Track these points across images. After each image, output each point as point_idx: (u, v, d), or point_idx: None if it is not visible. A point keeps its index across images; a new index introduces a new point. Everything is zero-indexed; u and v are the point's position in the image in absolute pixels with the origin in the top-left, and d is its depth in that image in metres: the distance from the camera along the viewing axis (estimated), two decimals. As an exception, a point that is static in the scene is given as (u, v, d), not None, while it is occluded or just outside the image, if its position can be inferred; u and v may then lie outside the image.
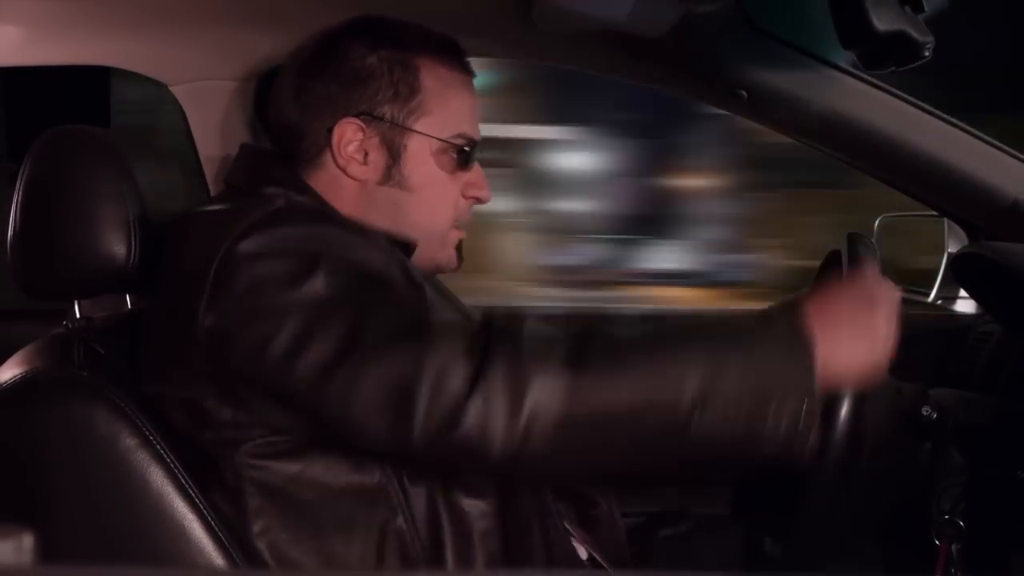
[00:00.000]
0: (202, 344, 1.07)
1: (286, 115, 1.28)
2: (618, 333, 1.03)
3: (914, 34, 0.91)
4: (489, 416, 0.97)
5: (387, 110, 1.24)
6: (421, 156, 1.25)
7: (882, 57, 1.12)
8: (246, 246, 1.07)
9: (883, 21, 0.90)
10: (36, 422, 1.14)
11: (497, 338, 1.00)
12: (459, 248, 1.32)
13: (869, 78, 1.59)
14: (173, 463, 1.13)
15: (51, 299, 1.25)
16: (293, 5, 1.53)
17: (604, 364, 0.99)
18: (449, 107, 1.26)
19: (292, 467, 1.12)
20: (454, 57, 1.28)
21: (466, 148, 1.27)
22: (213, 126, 1.77)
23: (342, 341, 1.02)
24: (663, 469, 1.20)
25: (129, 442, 1.11)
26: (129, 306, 1.37)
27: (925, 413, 1.33)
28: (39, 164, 1.21)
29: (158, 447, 1.12)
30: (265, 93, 1.84)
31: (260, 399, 1.09)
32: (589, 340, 1.01)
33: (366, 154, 1.24)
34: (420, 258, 1.26)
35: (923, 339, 1.86)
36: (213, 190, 1.80)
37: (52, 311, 1.27)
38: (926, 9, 0.95)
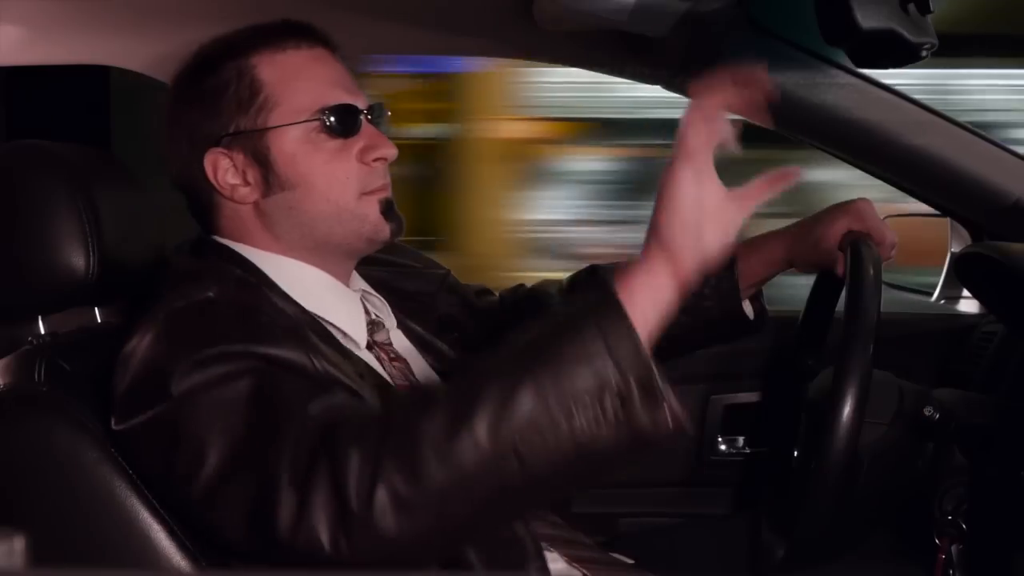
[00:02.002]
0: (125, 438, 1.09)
1: (171, 167, 1.24)
2: (412, 414, 0.97)
3: (907, 34, 0.90)
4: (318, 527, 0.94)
5: (239, 122, 1.19)
6: (287, 150, 1.19)
7: (873, 55, 1.11)
8: (136, 345, 1.08)
9: (868, 19, 0.89)
10: None
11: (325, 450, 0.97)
12: (391, 211, 1.23)
13: (871, 77, 1.58)
14: (135, 475, 1.12)
15: (14, 317, 1.25)
16: (293, 5, 1.53)
17: (409, 456, 0.94)
18: (297, 89, 1.19)
19: None
20: (288, 38, 1.22)
21: (334, 119, 1.19)
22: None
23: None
24: (533, 507, 1.15)
25: (91, 455, 1.11)
26: (99, 319, 1.37)
27: (927, 413, 1.33)
28: None
29: (120, 459, 1.11)
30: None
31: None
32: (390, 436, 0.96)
33: (245, 174, 1.20)
34: (346, 241, 1.22)
35: (926, 339, 1.86)
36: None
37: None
38: (933, 9, 0.94)
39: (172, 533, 1.11)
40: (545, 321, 0.99)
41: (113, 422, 1.08)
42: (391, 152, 1.23)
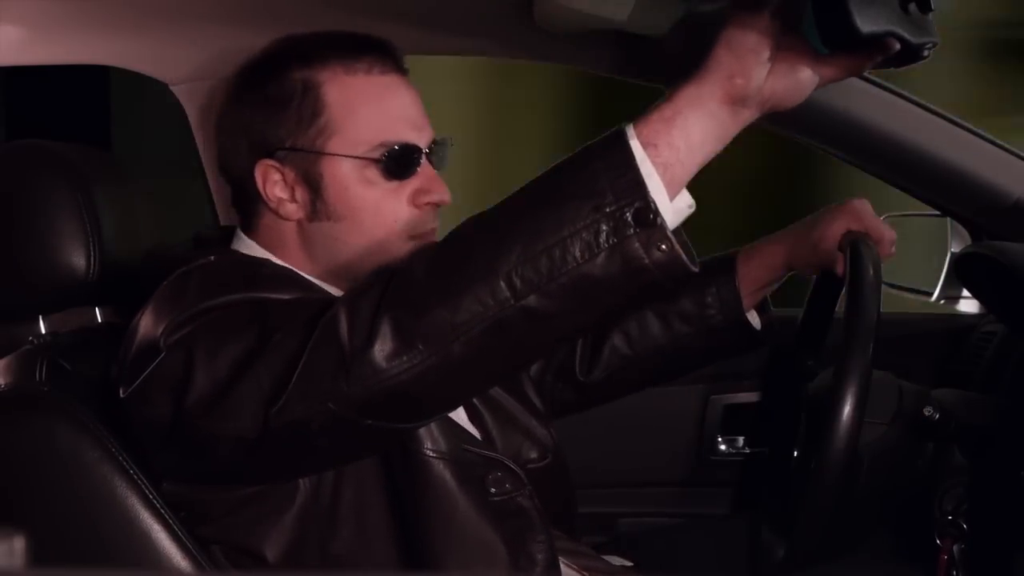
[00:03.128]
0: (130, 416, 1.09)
1: (220, 161, 1.23)
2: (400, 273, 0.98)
3: (908, 35, 0.90)
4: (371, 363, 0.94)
5: (297, 139, 1.15)
6: (341, 181, 1.15)
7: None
8: (138, 320, 1.09)
9: (867, 23, 0.89)
10: (0, 439, 1.14)
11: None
12: None
13: (871, 77, 1.58)
14: (136, 475, 1.12)
15: (15, 316, 1.25)
16: (293, 5, 1.53)
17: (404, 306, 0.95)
18: (361, 118, 1.14)
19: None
20: (361, 57, 1.16)
21: (392, 158, 1.15)
22: (213, 126, 1.77)
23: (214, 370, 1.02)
24: (536, 351, 1.10)
25: (92, 455, 1.11)
26: (99, 319, 1.37)
27: (927, 413, 1.33)
28: None
29: (120, 459, 1.12)
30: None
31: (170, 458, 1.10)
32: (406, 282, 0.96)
33: (293, 191, 1.16)
34: None
35: (925, 339, 1.86)
36: (214, 189, 1.79)
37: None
38: (934, 8, 0.94)
39: (173, 534, 1.12)
40: (561, 160, 0.95)
41: (121, 391, 1.08)
42: (445, 198, 1.18)
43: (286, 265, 1.17)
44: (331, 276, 1.18)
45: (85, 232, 1.19)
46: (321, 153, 1.14)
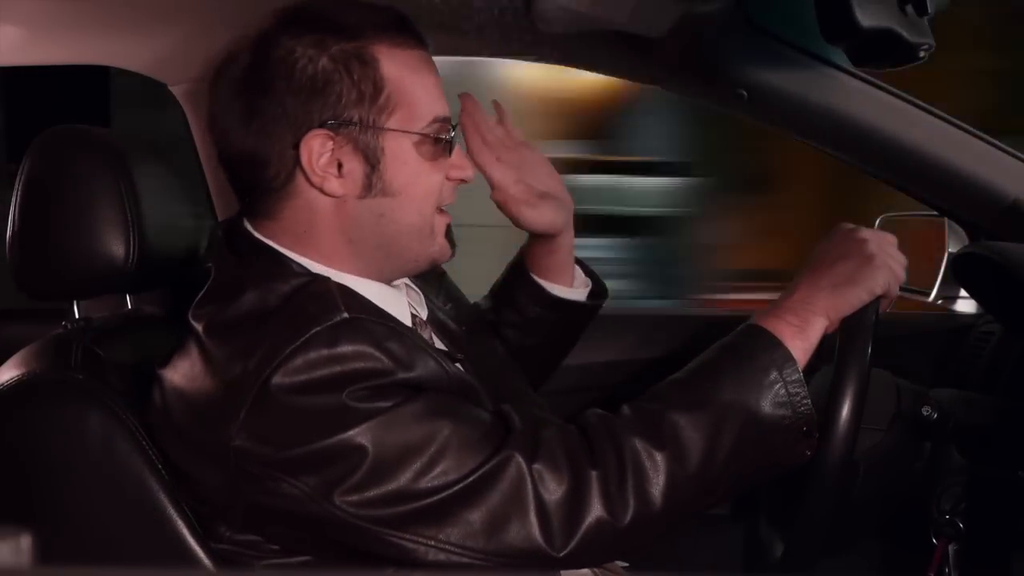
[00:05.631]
0: (229, 461, 1.05)
1: (238, 144, 1.14)
2: (649, 444, 1.10)
3: (906, 34, 0.91)
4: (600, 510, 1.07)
5: (354, 113, 1.12)
6: (401, 156, 1.14)
7: (872, 55, 1.11)
8: (281, 380, 1.02)
9: (868, 17, 0.89)
10: (32, 424, 1.14)
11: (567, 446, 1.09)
12: (449, 234, 1.22)
13: (869, 77, 1.58)
14: (165, 470, 1.12)
15: (50, 300, 1.25)
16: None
17: (646, 489, 1.09)
18: (417, 94, 1.15)
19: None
20: (408, 34, 1.16)
21: (444, 134, 1.17)
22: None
23: (418, 476, 1.04)
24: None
25: (123, 446, 1.11)
26: (129, 306, 1.37)
27: (925, 413, 1.33)
28: (38, 164, 1.21)
29: (151, 452, 1.12)
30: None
31: (282, 527, 1.08)
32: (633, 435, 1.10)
33: (340, 166, 1.13)
34: (416, 257, 1.19)
35: (923, 339, 1.86)
36: (213, 190, 1.79)
37: (52, 311, 1.27)
38: (930, 11, 0.94)
39: (196, 533, 1.12)
40: (726, 365, 1.15)
41: (241, 441, 1.03)
42: (472, 174, 1.23)
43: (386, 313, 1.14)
44: (365, 255, 1.17)
45: (127, 221, 1.19)
46: (385, 129, 1.13)
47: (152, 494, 1.11)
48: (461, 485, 1.03)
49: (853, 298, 1.15)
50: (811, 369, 1.15)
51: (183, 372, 1.09)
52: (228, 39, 1.65)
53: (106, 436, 1.11)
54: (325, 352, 1.03)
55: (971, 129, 1.64)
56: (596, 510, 1.06)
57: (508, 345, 1.50)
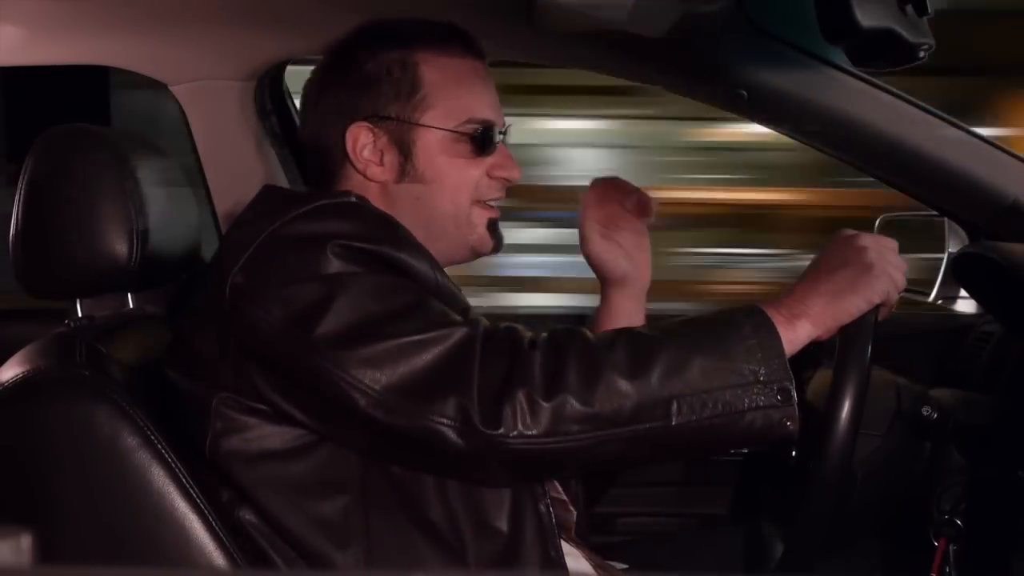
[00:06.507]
0: (225, 309, 1.13)
1: (308, 130, 1.34)
2: (597, 342, 1.11)
3: (905, 34, 0.91)
4: (523, 415, 1.06)
5: (392, 110, 1.28)
6: (431, 149, 1.28)
7: (872, 55, 1.11)
8: (281, 231, 1.14)
9: (868, 17, 0.89)
10: (38, 422, 1.14)
11: (518, 349, 1.09)
12: (497, 228, 1.33)
13: (869, 78, 1.58)
14: (174, 463, 1.13)
15: (53, 298, 1.25)
16: (293, 5, 1.53)
17: (586, 374, 1.07)
18: (454, 97, 1.29)
19: (291, 464, 1.15)
20: (455, 46, 1.31)
21: (478, 134, 1.29)
22: (213, 126, 1.77)
23: (379, 323, 1.09)
24: (651, 460, 1.29)
25: (131, 442, 1.12)
26: (131, 305, 1.37)
27: (925, 413, 1.33)
28: (41, 163, 1.21)
29: (159, 447, 1.12)
30: (265, 93, 1.85)
31: (274, 380, 1.13)
32: (582, 352, 1.09)
33: (382, 155, 1.28)
34: (455, 243, 1.31)
35: (923, 339, 1.86)
36: (213, 190, 1.80)
37: (52, 310, 1.27)
38: (930, 11, 0.95)
39: (207, 523, 1.12)
40: (707, 318, 1.15)
41: (234, 281, 1.12)
42: (516, 175, 1.33)
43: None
44: (412, 230, 1.25)
45: (130, 219, 1.19)
46: (416, 124, 1.28)
47: (161, 488, 1.12)
48: (409, 340, 1.08)
49: (851, 307, 1.14)
50: (813, 364, 1.15)
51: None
52: (228, 39, 1.65)
53: (113, 432, 1.12)
54: (326, 217, 1.17)
55: (971, 129, 1.64)
56: (525, 387, 1.06)
57: None
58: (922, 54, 0.98)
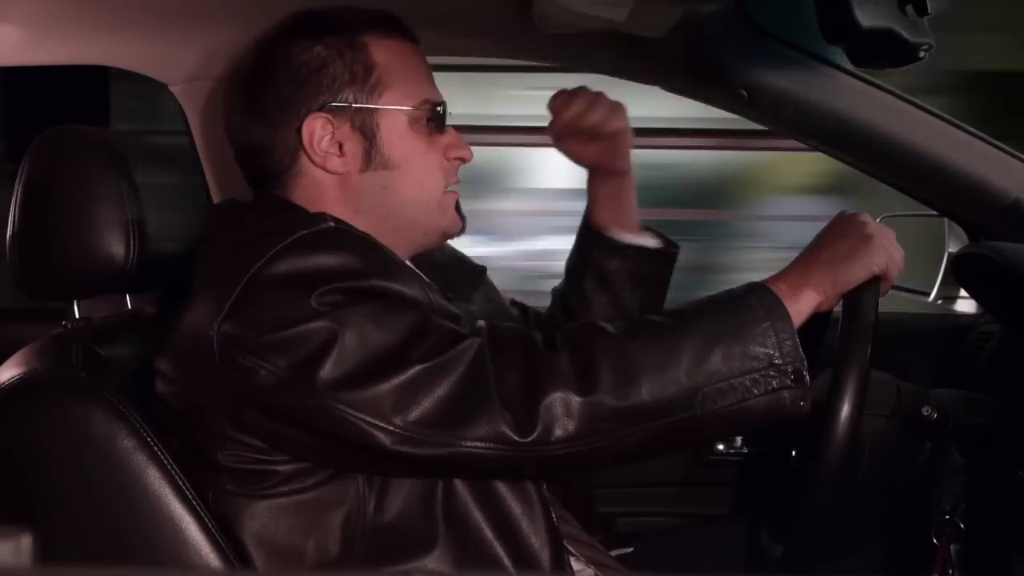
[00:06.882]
0: (215, 360, 1.09)
1: (246, 135, 1.26)
2: (620, 336, 1.11)
3: (906, 34, 0.91)
4: (547, 419, 1.05)
5: (349, 94, 1.22)
6: (395, 131, 1.24)
7: (872, 55, 1.11)
8: (265, 272, 1.09)
9: (868, 17, 0.90)
10: (34, 423, 1.14)
11: (516, 353, 1.08)
12: (459, 209, 1.31)
13: (869, 78, 1.58)
14: (170, 465, 1.13)
15: (50, 299, 1.25)
16: (293, 5, 1.53)
17: (618, 370, 1.07)
18: (406, 76, 1.26)
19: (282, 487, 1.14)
20: (395, 27, 1.27)
21: (435, 114, 1.26)
22: (213, 126, 1.77)
23: (381, 361, 1.06)
24: (672, 451, 1.28)
25: (127, 443, 1.11)
26: (129, 306, 1.37)
27: (925, 413, 1.33)
28: (37, 164, 1.21)
29: (155, 448, 1.12)
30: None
31: (263, 422, 1.10)
32: (602, 349, 1.09)
33: (340, 145, 1.23)
34: (426, 230, 1.27)
35: (923, 339, 1.86)
36: (213, 190, 1.79)
37: (51, 311, 1.27)
38: (930, 11, 0.95)
39: (204, 526, 1.12)
40: (719, 301, 1.15)
41: (222, 326, 1.08)
42: (469, 155, 1.30)
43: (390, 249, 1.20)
44: (374, 228, 1.22)
45: (127, 220, 1.19)
46: (378, 107, 1.23)
47: (156, 490, 1.12)
48: (421, 367, 1.06)
49: (850, 274, 1.16)
50: (811, 358, 1.15)
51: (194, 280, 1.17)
52: (228, 39, 1.65)
53: (109, 434, 1.12)
54: (308, 252, 1.11)
55: (971, 129, 1.64)
56: (554, 388, 1.06)
57: (597, 312, 1.52)
58: (922, 54, 0.98)
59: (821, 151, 1.73)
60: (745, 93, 1.57)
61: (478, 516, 1.16)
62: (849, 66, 1.54)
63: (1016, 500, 1.32)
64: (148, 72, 1.70)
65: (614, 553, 1.46)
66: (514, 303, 1.58)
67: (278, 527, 1.13)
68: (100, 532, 1.13)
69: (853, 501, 1.28)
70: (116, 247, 1.19)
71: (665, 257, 1.55)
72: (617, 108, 1.46)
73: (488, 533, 1.16)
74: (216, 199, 1.78)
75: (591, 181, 1.53)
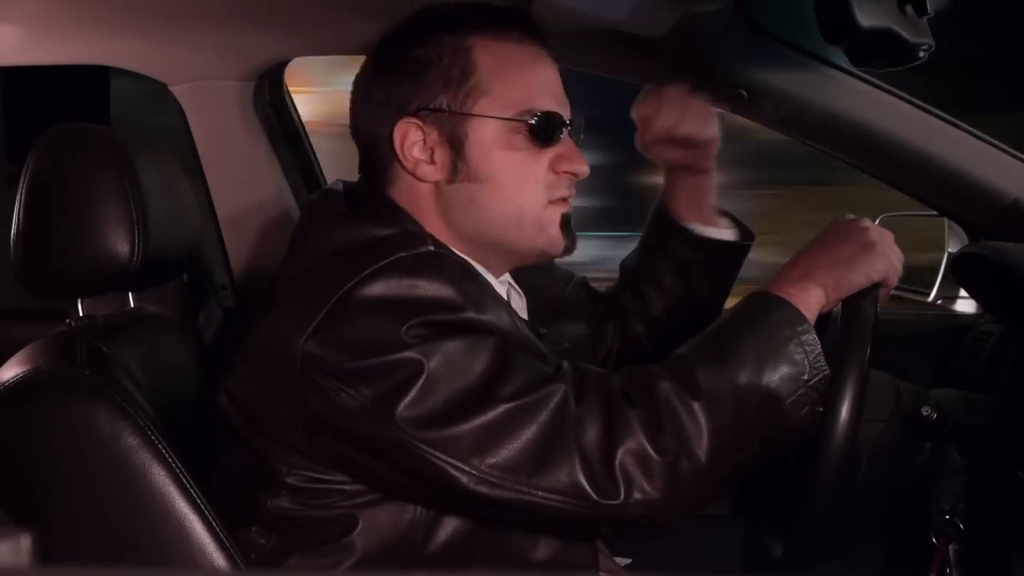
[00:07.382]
0: (296, 375, 1.07)
1: (357, 125, 1.24)
2: (684, 387, 1.10)
3: (905, 34, 0.91)
4: (638, 464, 1.05)
5: (442, 100, 1.17)
6: (486, 141, 1.17)
7: (871, 55, 1.11)
8: (357, 294, 1.06)
9: (867, 17, 0.90)
10: (39, 421, 1.14)
11: (606, 392, 1.08)
12: (569, 227, 1.23)
13: (869, 78, 1.58)
14: (175, 462, 1.13)
15: (54, 298, 1.25)
16: (293, 4, 1.53)
17: (697, 427, 1.08)
18: (511, 83, 1.18)
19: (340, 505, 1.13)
20: (513, 30, 1.20)
21: (538, 123, 1.18)
22: (213, 126, 1.77)
23: (469, 397, 1.05)
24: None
25: (131, 441, 1.12)
26: (132, 304, 1.37)
27: (925, 413, 1.33)
28: (42, 162, 1.22)
29: (160, 446, 1.12)
30: (265, 93, 1.85)
31: (337, 444, 1.09)
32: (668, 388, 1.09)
33: (432, 152, 1.18)
34: (519, 247, 1.21)
35: (923, 339, 1.86)
36: (213, 189, 1.80)
37: (53, 310, 1.27)
38: (930, 11, 0.95)
39: (208, 524, 1.12)
40: (747, 323, 1.14)
41: (307, 343, 1.05)
42: (584, 169, 1.22)
43: (487, 278, 1.19)
44: (466, 241, 1.20)
45: (131, 219, 1.19)
46: (469, 114, 1.17)
47: (161, 488, 1.12)
48: (505, 409, 1.04)
49: (851, 280, 1.15)
50: None
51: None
52: (228, 39, 1.65)
53: (113, 431, 1.12)
54: (405, 276, 1.07)
55: (971, 129, 1.64)
56: (633, 446, 1.05)
57: (666, 301, 1.51)
58: (922, 54, 0.98)
59: (821, 150, 1.73)
60: (745, 93, 1.57)
61: (522, 547, 1.17)
62: (849, 66, 1.54)
63: (1016, 500, 1.32)
64: (148, 72, 1.70)
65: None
66: (574, 280, 1.55)
67: (317, 551, 1.13)
68: (104, 530, 1.13)
69: (853, 502, 1.28)
70: (121, 245, 1.19)
71: (739, 249, 1.52)
72: (708, 115, 1.42)
73: (528, 562, 1.17)
74: (215, 198, 1.78)
75: (671, 176, 1.49)
